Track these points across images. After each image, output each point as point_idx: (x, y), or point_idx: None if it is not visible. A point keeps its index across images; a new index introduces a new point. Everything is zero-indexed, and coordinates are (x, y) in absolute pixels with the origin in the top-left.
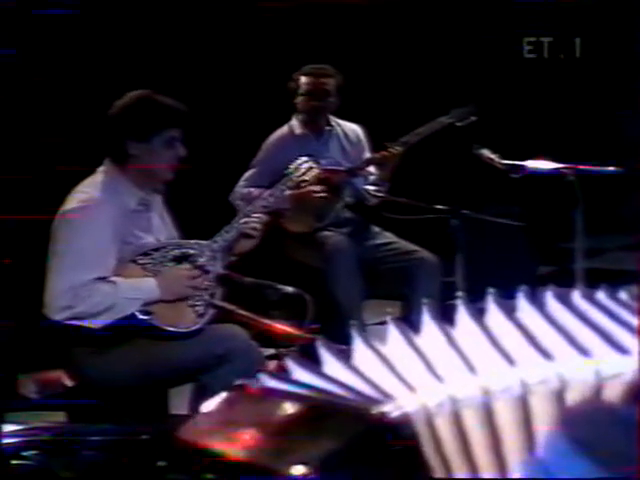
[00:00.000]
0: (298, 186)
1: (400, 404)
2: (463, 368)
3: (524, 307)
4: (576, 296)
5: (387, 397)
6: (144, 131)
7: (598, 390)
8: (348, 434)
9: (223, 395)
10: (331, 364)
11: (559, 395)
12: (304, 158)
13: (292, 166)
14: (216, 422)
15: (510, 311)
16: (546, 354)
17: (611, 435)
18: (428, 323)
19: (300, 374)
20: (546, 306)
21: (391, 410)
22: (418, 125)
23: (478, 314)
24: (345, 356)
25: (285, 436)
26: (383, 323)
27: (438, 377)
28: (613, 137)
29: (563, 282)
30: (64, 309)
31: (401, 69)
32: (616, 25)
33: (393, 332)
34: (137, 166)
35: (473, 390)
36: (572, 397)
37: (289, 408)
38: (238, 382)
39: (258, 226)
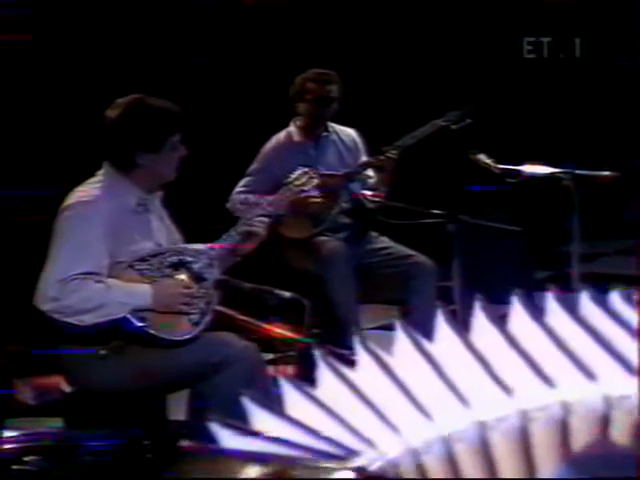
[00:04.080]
0: (297, 196)
1: (381, 450)
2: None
3: (554, 310)
4: (615, 299)
5: (365, 442)
6: (155, 142)
7: None
8: None
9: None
10: (297, 403)
11: (605, 420)
12: (304, 169)
13: (292, 176)
14: None
15: (537, 316)
16: (588, 372)
17: None
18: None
19: (260, 419)
20: (580, 310)
21: (370, 462)
22: (413, 128)
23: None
24: (312, 393)
25: None
26: (379, 328)
27: (425, 409)
28: (612, 138)
29: (560, 286)
30: (51, 300)
31: (396, 72)
32: (616, 25)
33: (364, 356)
34: (143, 172)
35: (507, 413)
36: (620, 422)
37: (245, 472)
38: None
39: (264, 225)
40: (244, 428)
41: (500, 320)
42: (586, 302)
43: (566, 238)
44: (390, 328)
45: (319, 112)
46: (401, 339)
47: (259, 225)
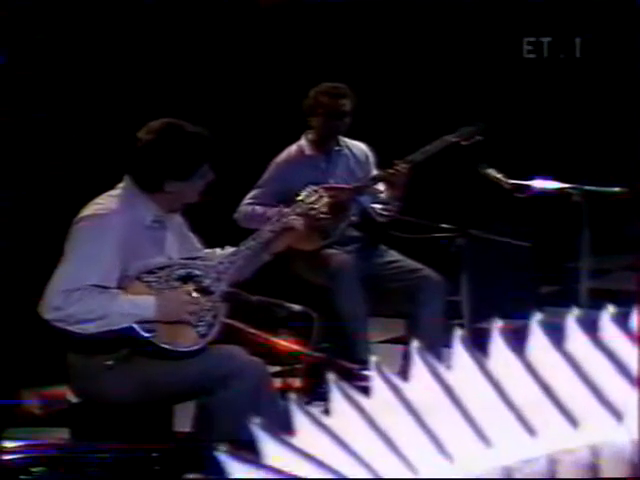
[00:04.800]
0: (307, 213)
1: None
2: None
3: (574, 334)
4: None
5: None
6: (186, 171)
7: None
8: None
9: None
10: (307, 431)
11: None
12: (314, 187)
13: (302, 194)
14: None
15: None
16: (613, 410)
17: None
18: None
19: (269, 448)
20: (601, 333)
21: None
22: (425, 143)
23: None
24: (324, 421)
25: None
26: (387, 342)
27: (443, 446)
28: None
29: (568, 302)
30: (54, 309)
31: (408, 87)
32: (616, 25)
33: (378, 381)
34: (167, 196)
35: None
36: None
37: None
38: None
39: (300, 220)
40: (253, 460)
41: (519, 346)
42: (607, 324)
43: (575, 253)
44: (398, 341)
45: (332, 126)
46: (416, 364)
47: (296, 220)
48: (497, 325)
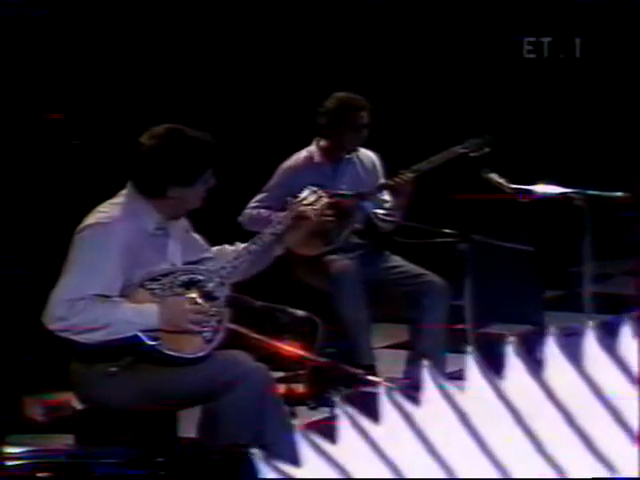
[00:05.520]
0: (305, 214)
1: None
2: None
3: (592, 352)
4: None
5: None
6: (189, 177)
7: None
8: None
9: None
10: (314, 462)
11: None
12: (313, 188)
13: (301, 195)
14: None
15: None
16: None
17: None
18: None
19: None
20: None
21: None
22: (433, 153)
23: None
24: (331, 452)
25: None
26: (391, 347)
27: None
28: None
29: (571, 307)
30: (58, 319)
31: (409, 90)
32: (616, 25)
33: (389, 409)
34: (170, 202)
35: None
36: None
37: None
38: None
39: (313, 210)
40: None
41: (536, 367)
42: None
43: (577, 258)
44: (402, 347)
45: (351, 138)
46: (428, 387)
47: (308, 210)
48: (552, 331)
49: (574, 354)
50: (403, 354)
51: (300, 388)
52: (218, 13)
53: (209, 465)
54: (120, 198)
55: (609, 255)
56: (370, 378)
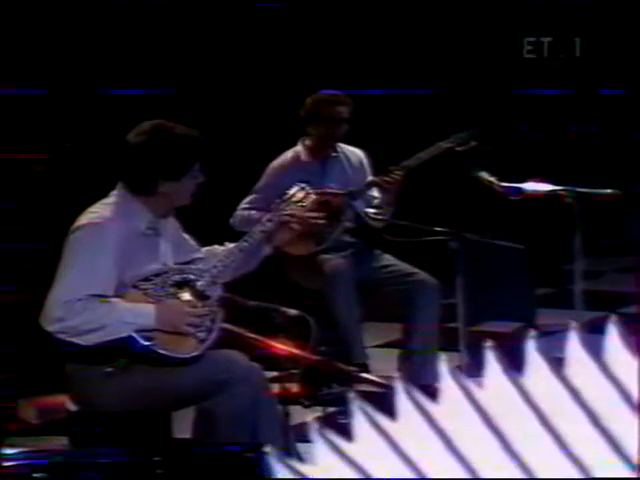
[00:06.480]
0: (294, 212)
1: None
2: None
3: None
4: None
5: None
6: (178, 171)
7: None
8: None
9: None
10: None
11: None
12: (301, 184)
13: (289, 192)
14: None
15: None
16: None
17: None
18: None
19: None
20: None
21: None
22: (420, 149)
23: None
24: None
25: None
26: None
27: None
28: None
29: (562, 304)
30: (56, 321)
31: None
32: (616, 25)
33: (363, 425)
34: (160, 199)
35: None
36: None
37: None
38: None
39: (293, 218)
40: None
41: (556, 364)
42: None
43: (568, 255)
44: (394, 345)
45: (330, 133)
46: (403, 402)
47: (287, 216)
48: (573, 326)
49: (596, 351)
50: (395, 352)
51: (294, 387)
52: (208, 15)
53: (204, 465)
54: (111, 198)
55: (600, 252)
56: (363, 376)
